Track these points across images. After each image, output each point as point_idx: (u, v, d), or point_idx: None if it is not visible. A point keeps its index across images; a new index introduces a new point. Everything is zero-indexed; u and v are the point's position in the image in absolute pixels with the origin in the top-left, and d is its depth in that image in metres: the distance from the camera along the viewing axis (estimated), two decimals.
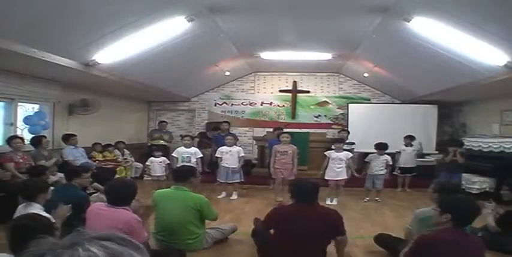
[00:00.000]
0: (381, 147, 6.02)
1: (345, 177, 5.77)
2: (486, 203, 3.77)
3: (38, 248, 0.61)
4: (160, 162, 6.43)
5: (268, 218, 3.05)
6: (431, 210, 2.68)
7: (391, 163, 6.10)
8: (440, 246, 2.15)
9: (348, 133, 7.54)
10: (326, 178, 5.78)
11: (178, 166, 5.22)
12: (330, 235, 2.92)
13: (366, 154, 6.39)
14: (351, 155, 6.01)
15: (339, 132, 7.97)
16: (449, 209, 2.26)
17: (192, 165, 4.93)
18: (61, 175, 4.88)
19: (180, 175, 3.64)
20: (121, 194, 2.75)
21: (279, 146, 5.85)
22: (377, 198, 5.96)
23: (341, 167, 5.72)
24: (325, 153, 5.95)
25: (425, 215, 2.82)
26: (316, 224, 2.81)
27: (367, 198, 5.97)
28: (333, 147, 5.97)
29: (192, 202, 3.43)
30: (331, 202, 5.70)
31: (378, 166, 5.95)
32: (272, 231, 3.06)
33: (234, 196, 6.03)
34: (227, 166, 6.02)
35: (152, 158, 6.50)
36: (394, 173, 6.98)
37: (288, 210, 3.01)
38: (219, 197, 6.02)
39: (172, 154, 6.16)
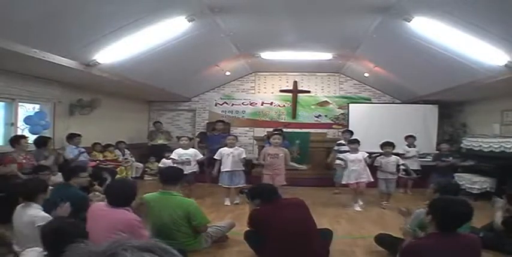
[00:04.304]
0: (389, 144, 5.62)
1: (366, 179, 5.36)
2: (497, 199, 3.75)
3: (74, 256, 0.59)
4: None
5: (252, 220, 3.16)
6: (423, 209, 2.62)
7: (401, 162, 5.65)
8: (423, 253, 2.07)
9: (352, 133, 6.79)
10: (346, 182, 5.47)
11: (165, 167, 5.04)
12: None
13: (367, 154, 6.24)
14: (367, 154, 5.54)
15: (342, 132, 7.22)
16: (432, 210, 2.15)
17: (179, 167, 4.61)
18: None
19: (166, 178, 3.45)
20: (121, 194, 2.74)
21: (269, 149, 5.44)
22: (386, 202, 5.55)
23: (361, 168, 5.35)
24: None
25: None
26: (300, 211, 3.05)
27: (385, 202, 5.54)
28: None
29: (180, 207, 3.28)
30: (357, 207, 5.33)
31: (389, 169, 5.55)
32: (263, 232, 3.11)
33: (237, 200, 5.69)
34: (229, 169, 5.62)
35: (164, 159, 6.58)
36: (400, 175, 6.77)
37: (269, 208, 3.06)
38: (225, 203, 5.64)
39: (171, 156, 5.85)
